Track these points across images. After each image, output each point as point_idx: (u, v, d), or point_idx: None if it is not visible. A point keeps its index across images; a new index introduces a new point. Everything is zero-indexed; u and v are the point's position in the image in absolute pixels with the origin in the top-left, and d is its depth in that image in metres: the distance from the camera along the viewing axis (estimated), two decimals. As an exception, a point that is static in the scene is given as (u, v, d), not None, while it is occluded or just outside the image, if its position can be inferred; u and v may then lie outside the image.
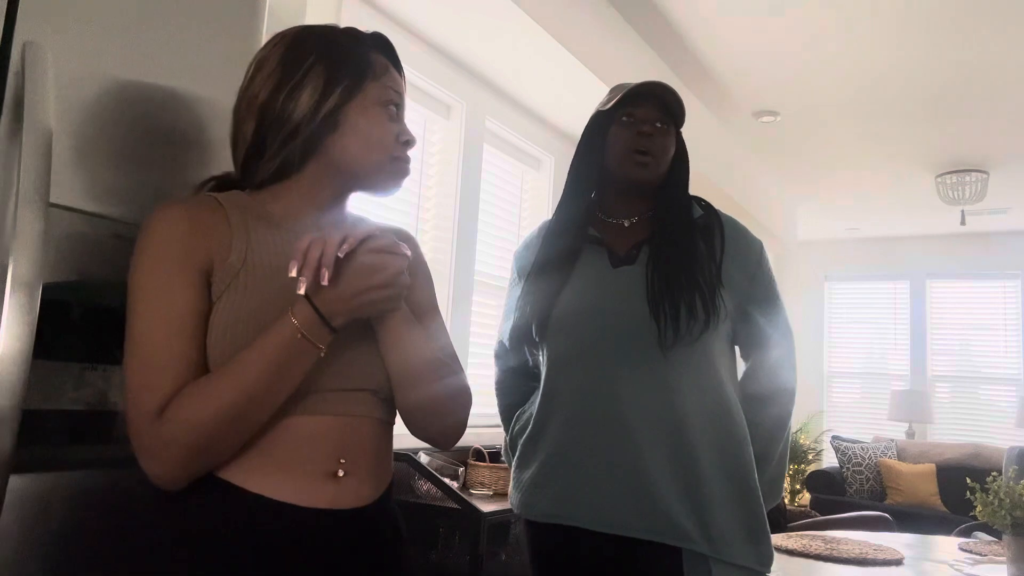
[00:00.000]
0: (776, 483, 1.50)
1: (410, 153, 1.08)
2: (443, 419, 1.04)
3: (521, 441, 1.54)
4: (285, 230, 1.02)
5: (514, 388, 1.65)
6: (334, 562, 0.93)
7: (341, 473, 0.94)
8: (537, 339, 1.54)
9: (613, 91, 1.56)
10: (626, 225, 1.54)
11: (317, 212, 1.05)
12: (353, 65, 1.03)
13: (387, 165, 1.05)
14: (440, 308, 1.16)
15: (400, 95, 1.08)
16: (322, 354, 0.91)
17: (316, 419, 0.94)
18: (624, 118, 1.51)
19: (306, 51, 1.02)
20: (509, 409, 1.64)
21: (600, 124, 1.54)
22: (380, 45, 1.09)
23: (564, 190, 1.60)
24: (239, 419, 0.88)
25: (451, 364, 1.05)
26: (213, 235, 0.95)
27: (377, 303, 0.93)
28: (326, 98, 1.00)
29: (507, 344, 1.64)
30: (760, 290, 1.51)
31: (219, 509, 0.91)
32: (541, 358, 1.56)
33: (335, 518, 0.94)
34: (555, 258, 1.54)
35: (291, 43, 1.04)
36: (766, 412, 1.49)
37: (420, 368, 1.00)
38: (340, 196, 1.07)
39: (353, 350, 0.97)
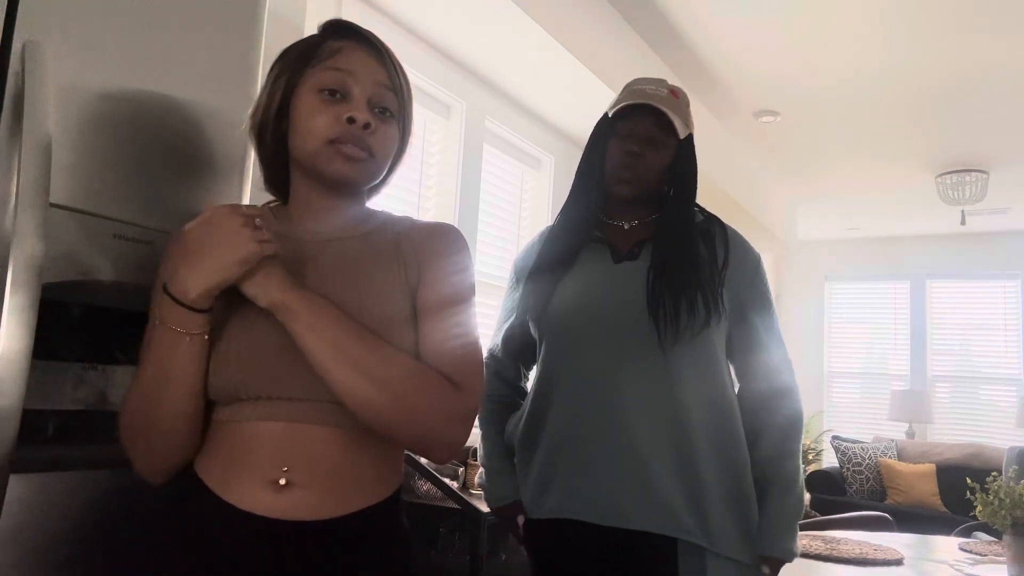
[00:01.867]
0: (798, 487, 1.47)
1: (366, 135, 0.97)
2: (404, 431, 0.92)
3: (517, 437, 1.54)
4: (284, 239, 1.02)
5: (500, 394, 1.64)
6: (270, 571, 0.90)
7: (283, 481, 0.90)
8: (535, 332, 1.55)
9: (623, 90, 1.56)
10: (626, 228, 1.55)
11: (314, 219, 1.04)
12: (294, 57, 1.02)
13: (323, 152, 0.98)
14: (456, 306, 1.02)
15: (352, 73, 0.99)
16: (189, 338, 0.90)
17: (264, 424, 0.92)
18: (618, 131, 1.52)
19: (275, 62, 1.05)
20: (497, 411, 1.63)
21: (604, 131, 1.55)
22: (334, 29, 1.04)
23: (570, 192, 1.61)
24: (147, 416, 0.92)
25: (414, 374, 0.92)
26: None
27: (217, 260, 0.88)
28: (273, 96, 1.02)
29: (499, 353, 1.64)
30: (757, 296, 1.53)
31: (182, 498, 0.95)
32: (538, 352, 1.56)
33: (276, 527, 0.90)
34: (557, 255, 1.55)
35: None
36: (777, 411, 1.49)
37: (331, 366, 0.89)
38: (334, 196, 1.04)
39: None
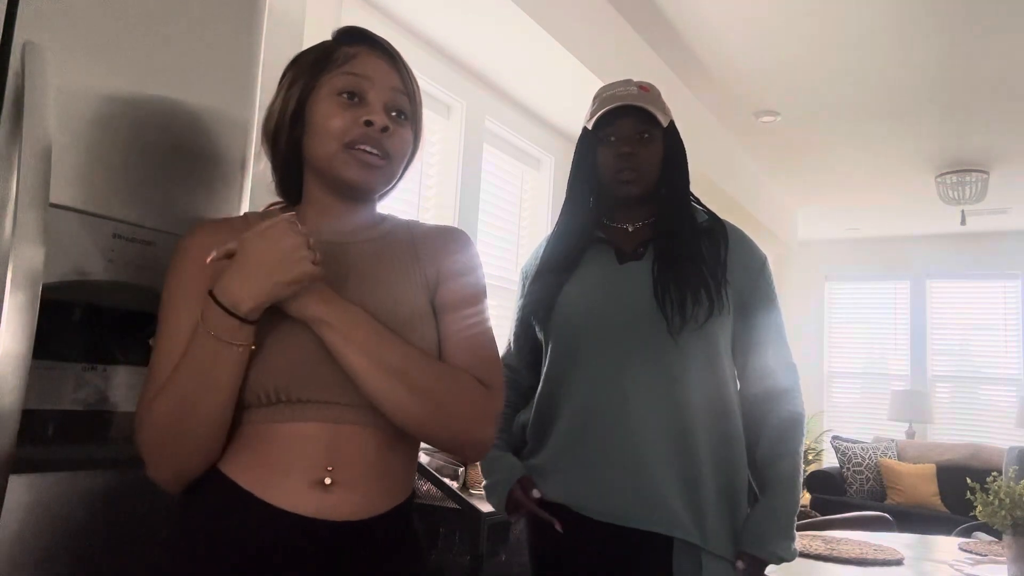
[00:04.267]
0: (793, 489, 1.46)
1: (383, 138, 0.99)
2: (441, 433, 0.95)
3: (527, 436, 1.55)
4: None
5: (511, 401, 1.63)
6: (312, 572, 0.91)
7: (328, 481, 0.91)
8: (540, 334, 1.55)
9: (595, 100, 1.58)
10: (630, 230, 1.56)
11: (328, 221, 1.04)
12: (310, 62, 1.03)
13: (339, 155, 0.98)
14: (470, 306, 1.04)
15: (368, 78, 1.01)
16: (239, 348, 0.88)
17: (306, 426, 0.92)
18: (606, 138, 1.53)
19: (286, 68, 1.06)
20: (509, 416, 1.63)
21: (588, 142, 1.57)
22: (348, 35, 1.05)
23: (565, 201, 1.63)
24: (181, 422, 0.89)
25: (450, 378, 0.95)
26: None
27: (273, 277, 0.87)
28: (288, 101, 1.02)
29: (513, 362, 1.64)
30: (761, 297, 1.53)
31: (213, 501, 0.93)
32: (544, 353, 1.56)
33: (319, 527, 0.91)
34: (560, 256, 1.56)
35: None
36: (775, 412, 1.49)
37: (371, 376, 0.90)
38: (348, 200, 1.04)
39: None
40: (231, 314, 0.87)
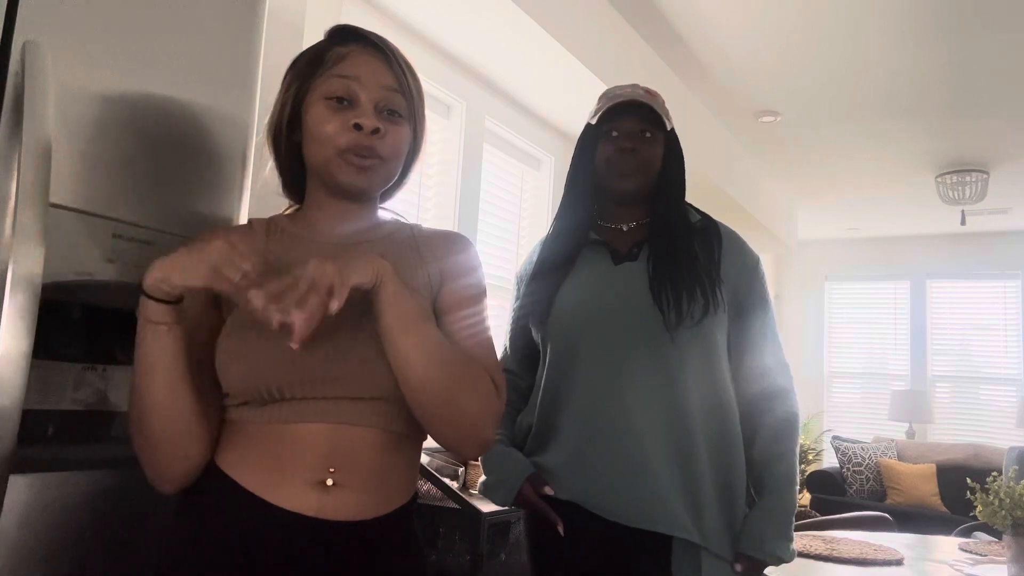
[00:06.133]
0: (791, 489, 1.46)
1: (375, 140, 0.98)
2: (450, 422, 0.95)
3: (529, 439, 1.55)
4: (306, 242, 1.03)
5: (512, 400, 1.63)
6: (312, 572, 0.91)
7: (330, 482, 0.91)
8: (538, 336, 1.55)
9: (600, 99, 1.58)
10: (625, 230, 1.57)
11: (332, 223, 1.04)
12: (304, 65, 1.03)
13: (334, 160, 0.99)
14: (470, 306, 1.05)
15: (358, 79, 0.99)
16: (163, 328, 0.89)
17: (309, 426, 0.92)
18: (608, 134, 1.53)
19: (286, 70, 1.06)
20: (511, 416, 1.62)
21: (590, 138, 1.57)
22: (340, 34, 1.04)
23: (562, 200, 1.63)
24: (140, 418, 0.92)
25: (462, 365, 0.96)
26: None
27: (184, 257, 0.88)
28: (284, 104, 1.03)
29: (512, 365, 1.64)
30: (754, 297, 1.54)
31: (215, 501, 0.93)
32: (542, 355, 1.56)
33: (321, 527, 0.91)
34: (555, 258, 1.56)
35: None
36: (771, 413, 1.49)
37: (415, 368, 0.90)
38: (350, 202, 1.04)
39: (362, 356, 0.93)
40: (144, 292, 0.89)
